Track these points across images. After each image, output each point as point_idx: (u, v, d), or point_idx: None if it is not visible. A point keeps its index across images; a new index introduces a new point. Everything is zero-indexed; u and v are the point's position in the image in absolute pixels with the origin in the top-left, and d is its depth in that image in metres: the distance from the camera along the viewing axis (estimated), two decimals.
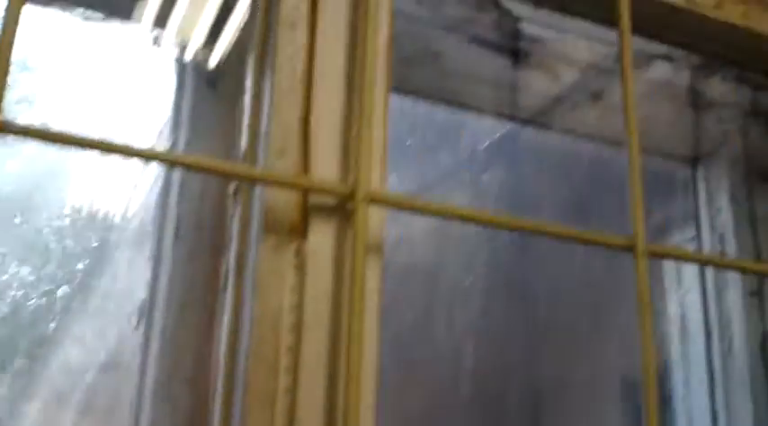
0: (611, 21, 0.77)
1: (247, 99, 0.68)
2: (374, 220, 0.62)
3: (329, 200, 0.61)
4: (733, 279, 1.01)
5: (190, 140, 0.77)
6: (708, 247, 1.04)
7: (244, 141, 0.66)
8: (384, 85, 0.66)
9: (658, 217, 1.06)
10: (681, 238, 1.05)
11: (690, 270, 1.07)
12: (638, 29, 0.87)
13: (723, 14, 0.86)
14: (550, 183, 1.03)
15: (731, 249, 1.01)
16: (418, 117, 0.96)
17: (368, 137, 0.61)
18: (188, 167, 0.68)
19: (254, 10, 0.70)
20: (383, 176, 0.64)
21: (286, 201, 0.61)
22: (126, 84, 0.82)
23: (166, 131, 0.81)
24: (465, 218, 0.65)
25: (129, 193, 0.88)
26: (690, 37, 0.89)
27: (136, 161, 0.84)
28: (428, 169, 0.96)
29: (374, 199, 0.60)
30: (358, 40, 0.65)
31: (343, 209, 0.61)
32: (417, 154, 0.95)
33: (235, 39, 0.78)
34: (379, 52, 0.66)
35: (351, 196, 0.59)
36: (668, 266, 1.08)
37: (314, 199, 0.61)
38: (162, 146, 0.81)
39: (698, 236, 1.04)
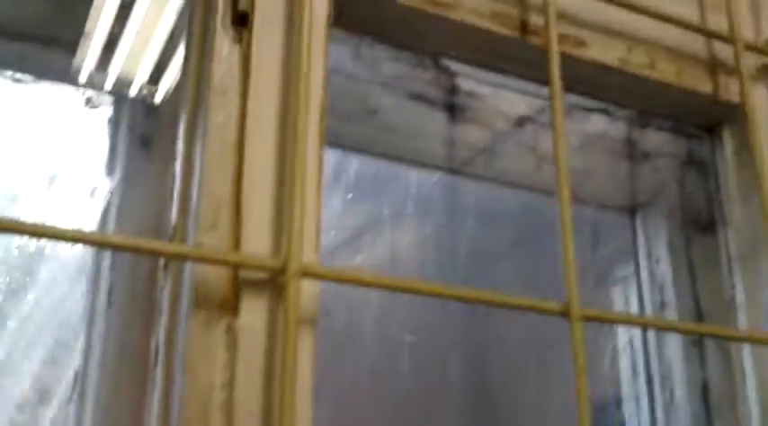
0: (544, 80, 0.78)
1: (178, 167, 0.67)
2: (308, 293, 0.61)
3: (261, 275, 0.60)
4: None
5: (122, 204, 0.76)
6: (648, 297, 1.05)
7: (174, 212, 0.65)
8: (317, 155, 0.66)
9: (598, 268, 1.07)
10: (621, 293, 1.06)
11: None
12: (570, 88, 0.88)
13: (657, 73, 0.88)
14: (487, 233, 1.04)
15: (670, 299, 1.02)
16: (357, 171, 0.96)
17: (300, 210, 0.60)
18: (115, 248, 0.67)
19: (186, 73, 0.70)
20: (317, 247, 0.64)
21: (216, 276, 0.60)
22: (58, 147, 0.80)
23: (99, 194, 0.79)
24: (400, 289, 0.65)
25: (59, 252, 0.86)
26: (624, 95, 0.91)
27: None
28: (366, 222, 0.96)
29: (306, 273, 0.59)
30: (290, 108, 0.65)
31: (275, 283, 0.61)
32: (356, 207, 0.95)
33: (168, 101, 0.77)
34: (313, 120, 0.66)
35: (282, 271, 0.58)
36: (617, 298, 1.09)
37: (245, 273, 0.60)
38: (95, 209, 0.80)
39: (638, 286, 1.05)
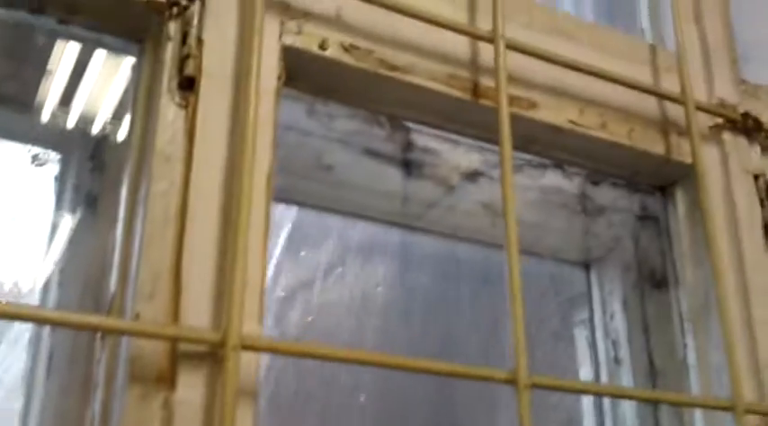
0: (497, 141, 0.78)
1: (119, 233, 0.66)
2: (248, 365, 0.60)
3: (200, 347, 0.59)
4: (627, 383, 1.02)
5: (66, 265, 0.75)
6: (602, 352, 1.05)
7: (114, 279, 0.64)
8: (263, 224, 0.65)
9: (554, 322, 1.07)
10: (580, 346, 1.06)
11: (584, 373, 1.08)
12: (523, 147, 0.88)
13: (608, 134, 0.88)
14: (443, 287, 1.03)
15: (624, 355, 1.02)
16: (309, 227, 0.96)
17: (241, 281, 0.59)
18: (49, 323, 0.66)
19: (130, 137, 0.69)
20: (260, 316, 0.63)
21: (154, 349, 0.59)
22: (3, 205, 0.79)
23: (44, 252, 0.78)
24: (343, 360, 0.64)
25: None
26: (576, 155, 0.91)
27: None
28: (317, 276, 0.95)
29: (246, 346, 0.58)
30: (236, 176, 0.64)
31: (214, 356, 0.60)
32: (308, 262, 0.94)
33: (115, 160, 0.76)
34: (259, 188, 0.65)
35: (221, 343, 0.57)
36: (580, 343, 1.08)
37: (184, 345, 0.59)
38: (40, 268, 0.78)
39: (592, 343, 1.05)
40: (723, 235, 0.89)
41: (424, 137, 0.97)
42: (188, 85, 0.67)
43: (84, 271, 0.72)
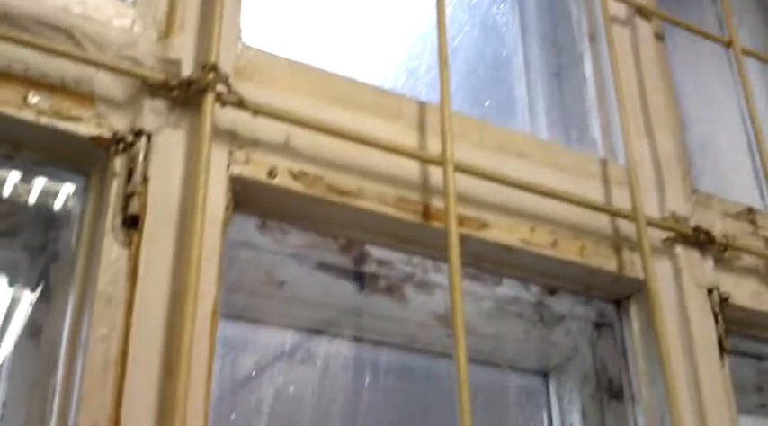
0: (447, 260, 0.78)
1: (59, 375, 0.65)
2: None
3: None
4: None
5: (6, 402, 0.73)
6: None
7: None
8: (206, 368, 0.64)
9: None
10: None
11: None
12: (474, 265, 0.88)
13: (560, 252, 0.88)
14: (400, 400, 1.02)
15: None
16: (264, 344, 0.94)
17: None
18: None
19: (72, 277, 0.68)
20: None
21: None
22: None
23: None
24: None
25: None
26: (528, 273, 0.91)
27: None
28: (270, 395, 0.94)
29: None
30: (177, 319, 0.63)
31: None
32: (260, 381, 0.93)
33: (59, 293, 0.75)
34: (201, 330, 0.64)
35: None
36: None
37: None
38: None
39: None
40: (677, 351, 0.89)
41: (379, 250, 0.97)
42: (132, 223, 0.67)
43: (26, 411, 0.70)
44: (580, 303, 1.04)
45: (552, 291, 1.03)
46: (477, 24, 1.33)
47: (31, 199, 0.76)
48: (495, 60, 1.31)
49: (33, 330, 0.76)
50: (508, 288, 1.02)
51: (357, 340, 0.98)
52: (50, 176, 0.74)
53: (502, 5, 1.30)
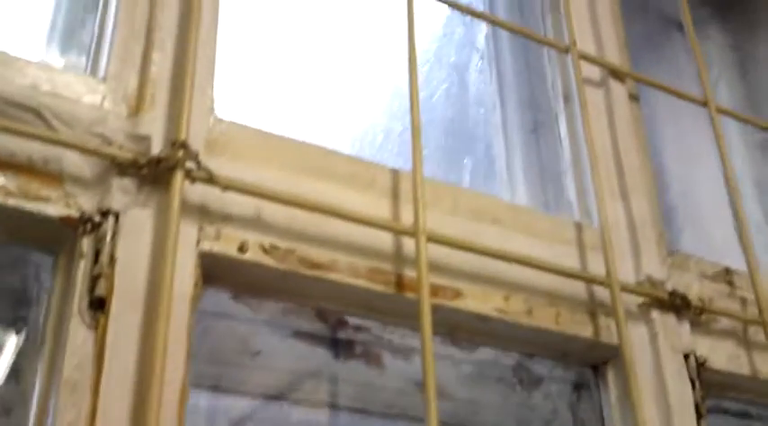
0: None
1: None
2: None
3: None
4: None
5: None
6: None
7: None
8: None
9: None
10: None
11: None
12: (448, 334, 0.88)
13: (535, 320, 0.88)
14: None
15: None
16: (238, 414, 0.94)
17: None
18: None
19: (38, 362, 0.67)
20: None
21: None
22: None
23: None
24: None
25: None
26: (503, 341, 0.90)
27: None
28: None
29: None
30: (145, 401, 0.63)
31: None
32: None
33: (27, 374, 0.74)
34: (168, 417, 0.64)
35: None
36: None
37: None
38: None
39: None
40: (654, 419, 0.89)
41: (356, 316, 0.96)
42: (99, 305, 0.66)
43: None
44: (559, 366, 1.04)
45: (531, 354, 1.03)
46: (455, 82, 1.34)
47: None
48: (474, 118, 1.32)
49: (3, 409, 0.75)
50: (486, 352, 1.01)
51: (333, 407, 0.98)
52: (19, 256, 0.74)
53: (479, 64, 1.31)
